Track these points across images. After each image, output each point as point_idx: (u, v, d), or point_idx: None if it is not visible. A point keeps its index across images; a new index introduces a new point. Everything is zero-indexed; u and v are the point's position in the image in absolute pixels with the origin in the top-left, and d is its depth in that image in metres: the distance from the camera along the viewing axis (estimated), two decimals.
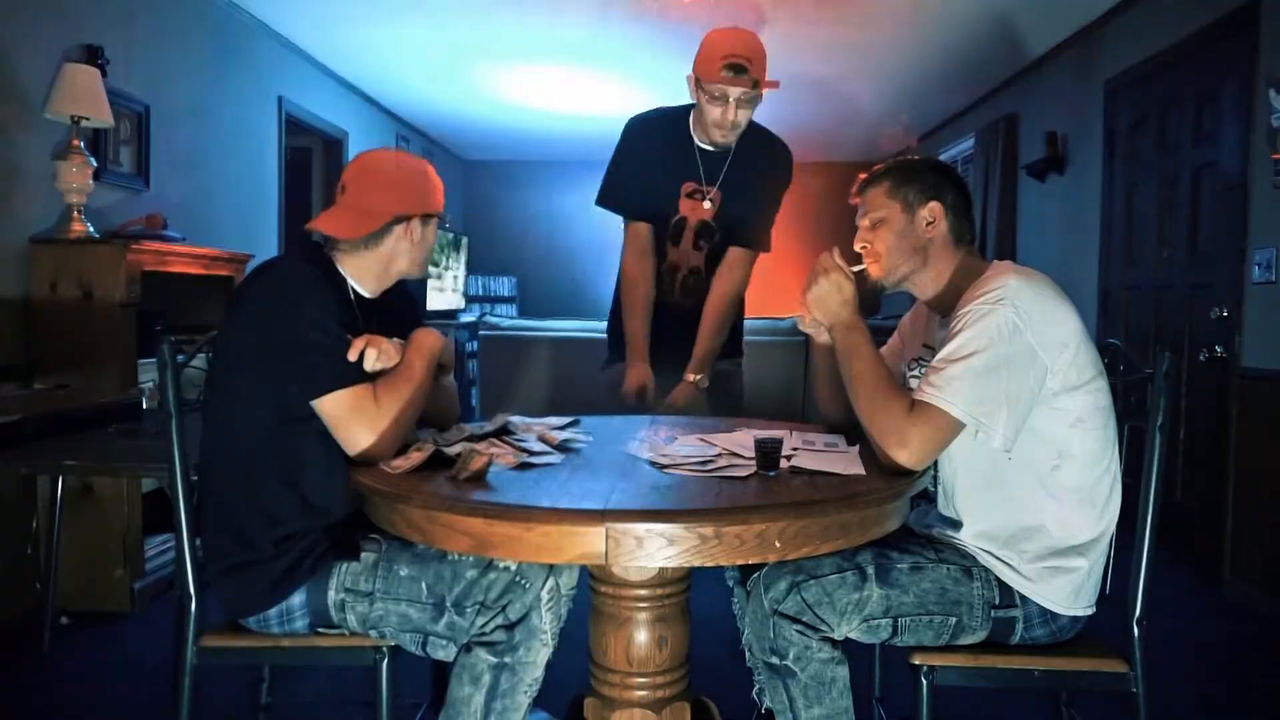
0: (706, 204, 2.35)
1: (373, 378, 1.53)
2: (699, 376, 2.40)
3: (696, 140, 2.36)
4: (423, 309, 7.13)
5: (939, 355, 1.48)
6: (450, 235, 7.24)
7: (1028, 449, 1.48)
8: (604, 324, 2.79)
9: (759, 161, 2.38)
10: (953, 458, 1.57)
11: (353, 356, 1.52)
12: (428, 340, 1.65)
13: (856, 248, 1.69)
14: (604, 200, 2.50)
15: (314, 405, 1.48)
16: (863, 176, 1.72)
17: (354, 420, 1.48)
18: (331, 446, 1.51)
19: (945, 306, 1.63)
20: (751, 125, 2.34)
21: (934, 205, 1.62)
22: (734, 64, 2.15)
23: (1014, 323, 1.43)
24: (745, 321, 2.74)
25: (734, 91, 2.18)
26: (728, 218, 2.39)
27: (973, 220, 1.68)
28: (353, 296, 1.65)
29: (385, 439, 1.49)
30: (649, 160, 2.41)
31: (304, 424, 1.50)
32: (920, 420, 1.44)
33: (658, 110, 2.47)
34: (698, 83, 2.24)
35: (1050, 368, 1.45)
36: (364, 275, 1.66)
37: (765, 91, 2.22)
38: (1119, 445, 1.57)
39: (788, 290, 9.02)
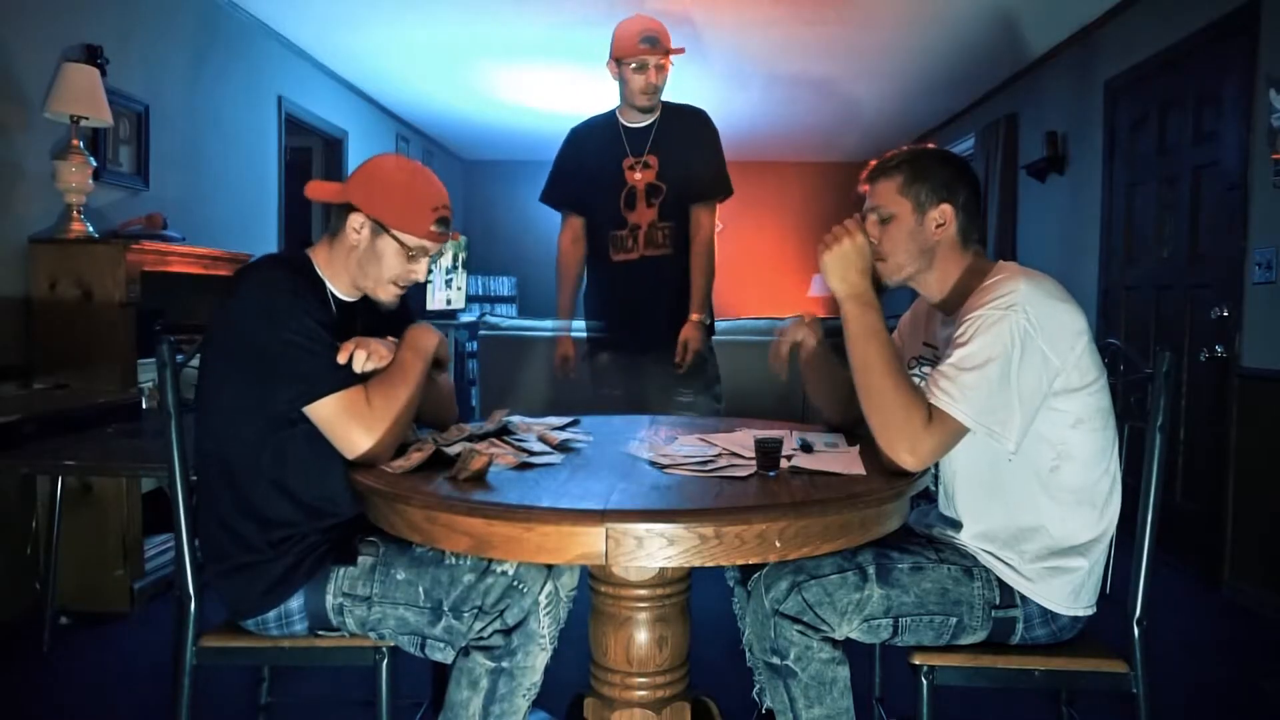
0: (645, 170, 2.79)
1: (364, 379, 1.51)
2: (701, 315, 2.78)
3: (623, 122, 2.83)
4: (419, 309, 7.14)
5: (950, 360, 1.46)
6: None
7: (1028, 450, 1.48)
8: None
9: (682, 128, 2.83)
10: (953, 459, 1.56)
11: (341, 359, 1.50)
12: (421, 337, 1.61)
13: None
14: (547, 198, 2.99)
15: (306, 411, 1.46)
16: (874, 164, 1.66)
17: (350, 424, 1.46)
18: (320, 448, 1.49)
19: (949, 305, 1.63)
20: (668, 102, 2.84)
21: (945, 208, 1.59)
22: (649, 37, 2.69)
23: (1025, 328, 1.43)
24: (744, 322, 2.92)
25: (651, 59, 2.70)
26: (672, 177, 2.79)
27: (982, 218, 1.66)
28: (331, 299, 1.62)
29: (383, 440, 1.48)
30: (588, 153, 2.88)
31: (290, 427, 1.49)
32: (936, 430, 1.43)
33: (590, 118, 2.97)
34: (619, 63, 2.74)
35: (1061, 368, 1.45)
36: (337, 276, 1.62)
37: (673, 58, 2.79)
38: (1119, 445, 1.57)
39: (788, 291, 9.04)
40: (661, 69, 2.74)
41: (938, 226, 1.60)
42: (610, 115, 2.88)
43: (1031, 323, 1.43)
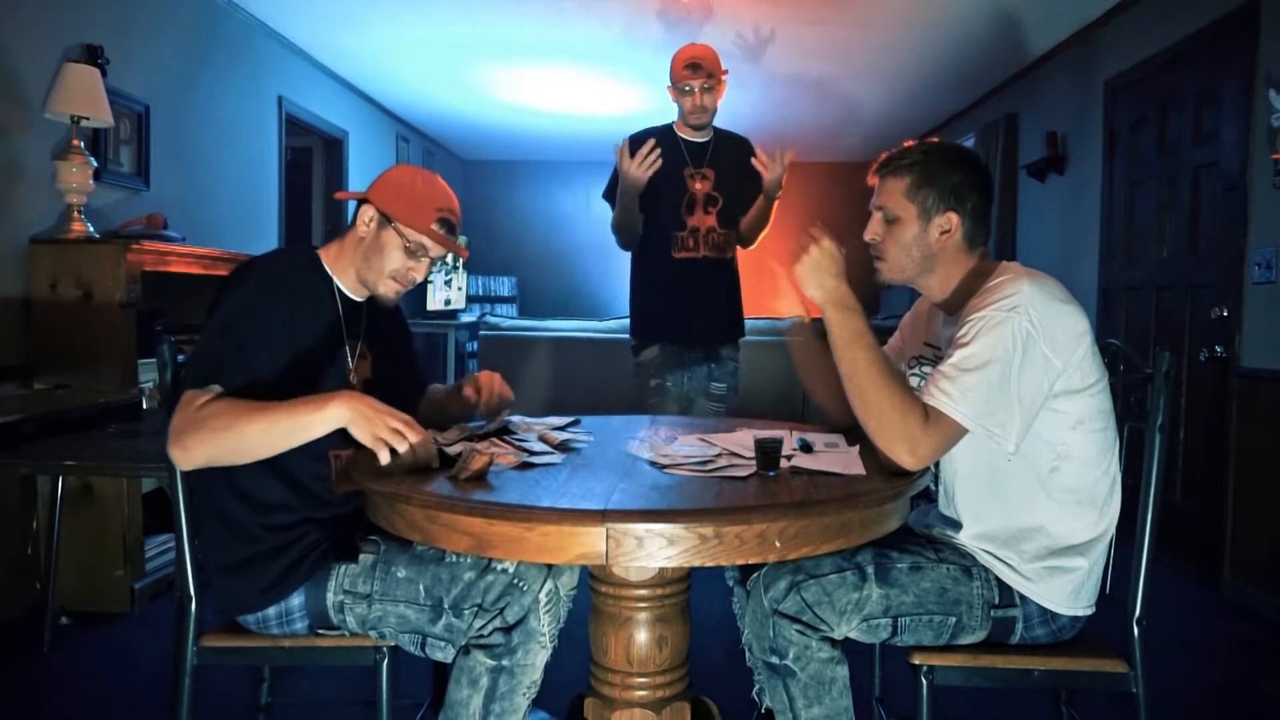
0: (704, 181, 3.08)
1: (237, 384, 1.43)
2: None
3: (681, 136, 3.10)
4: (416, 308, 7.13)
5: (951, 361, 1.45)
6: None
7: (1028, 450, 1.48)
8: (604, 323, 3.05)
9: (732, 151, 3.14)
10: (953, 459, 1.56)
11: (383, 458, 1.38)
12: (338, 406, 1.38)
13: (867, 239, 1.64)
14: (610, 195, 3.10)
15: None
16: (884, 157, 1.63)
17: (175, 415, 1.40)
18: None
19: (951, 305, 1.63)
20: (719, 128, 3.15)
21: (951, 215, 1.57)
22: (691, 64, 2.98)
23: (1028, 331, 1.43)
24: (745, 322, 3.03)
25: (695, 83, 2.99)
26: (726, 190, 3.10)
27: (990, 220, 1.65)
28: (338, 295, 1.65)
29: (185, 448, 1.37)
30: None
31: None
32: (934, 431, 1.43)
33: (649, 127, 3.18)
34: (672, 86, 3.05)
35: (1062, 370, 1.45)
36: (344, 272, 1.66)
37: (724, 79, 3.05)
38: (1119, 446, 1.57)
39: (787, 292, 9.04)
40: (708, 91, 3.00)
41: (942, 234, 1.58)
42: (668, 127, 3.14)
43: (1034, 325, 1.43)
